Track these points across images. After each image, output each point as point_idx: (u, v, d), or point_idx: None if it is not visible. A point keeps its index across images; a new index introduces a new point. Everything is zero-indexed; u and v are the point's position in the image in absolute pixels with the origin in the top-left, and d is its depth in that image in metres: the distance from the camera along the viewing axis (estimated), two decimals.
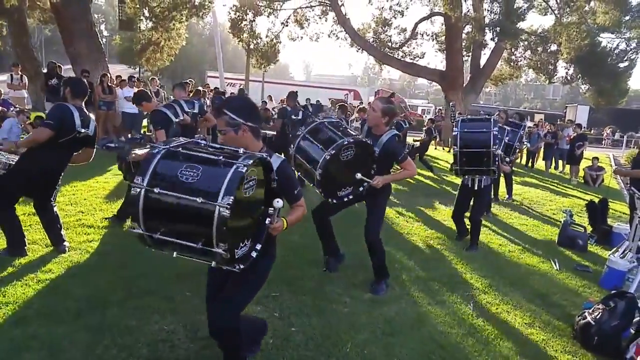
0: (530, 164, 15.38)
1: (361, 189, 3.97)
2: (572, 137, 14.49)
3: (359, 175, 3.84)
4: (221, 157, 2.10)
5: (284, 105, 8.16)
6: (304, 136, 3.83)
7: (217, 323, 2.49)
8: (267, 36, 20.43)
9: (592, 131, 34.91)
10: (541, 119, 19.85)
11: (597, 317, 3.65)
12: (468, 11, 17.14)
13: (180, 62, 41.91)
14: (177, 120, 5.52)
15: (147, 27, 15.75)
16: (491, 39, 16.83)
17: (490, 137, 5.27)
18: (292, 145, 3.86)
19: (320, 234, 4.53)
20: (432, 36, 19.75)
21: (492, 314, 4.05)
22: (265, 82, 27.16)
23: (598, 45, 17.25)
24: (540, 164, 15.74)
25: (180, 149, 2.14)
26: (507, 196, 9.53)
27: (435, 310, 3.97)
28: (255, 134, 2.48)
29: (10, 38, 16.99)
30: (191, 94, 10.50)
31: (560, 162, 15.34)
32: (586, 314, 3.77)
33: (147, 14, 15.05)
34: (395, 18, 19.82)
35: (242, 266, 2.22)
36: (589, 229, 7.22)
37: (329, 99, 25.21)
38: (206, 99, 13.08)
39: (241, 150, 2.20)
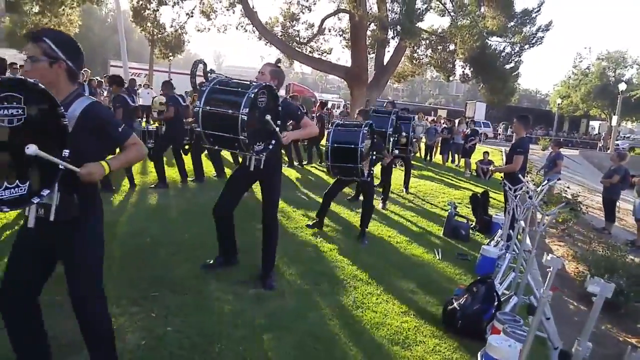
0: (428, 158, 16.26)
1: (270, 146, 3.95)
2: (466, 132, 15.56)
3: (268, 117, 3.80)
4: None
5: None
6: (211, 89, 3.77)
7: (89, 323, 2.38)
8: (171, 26, 19.71)
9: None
10: (440, 115, 21.04)
11: (462, 302, 3.96)
12: (371, 9, 17.74)
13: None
14: None
15: (31, 11, 14.47)
16: (392, 38, 17.54)
17: (359, 136, 5.52)
18: (198, 103, 3.76)
19: (220, 232, 4.43)
20: (339, 32, 20.18)
21: (372, 304, 4.23)
22: (172, 72, 26.17)
23: (488, 47, 18.68)
24: (437, 158, 16.70)
25: None
26: (403, 189, 10.02)
27: (317, 303, 4.08)
28: (72, 77, 2.25)
29: None
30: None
31: (456, 155, 16.39)
32: (453, 300, 4.06)
33: None
34: (303, 13, 20.00)
35: (8, 209, 1.95)
36: (472, 218, 7.80)
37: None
38: (102, 90, 12.40)
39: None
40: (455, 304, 3.98)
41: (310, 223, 6.33)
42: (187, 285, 4.10)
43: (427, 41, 20.13)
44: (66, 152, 2.07)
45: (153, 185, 7.80)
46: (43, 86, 1.95)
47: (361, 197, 6.76)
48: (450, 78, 21.49)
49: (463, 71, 20.43)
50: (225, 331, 3.40)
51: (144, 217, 6.17)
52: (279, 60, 4.31)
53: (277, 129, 3.88)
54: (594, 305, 2.05)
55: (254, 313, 3.75)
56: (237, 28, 19.69)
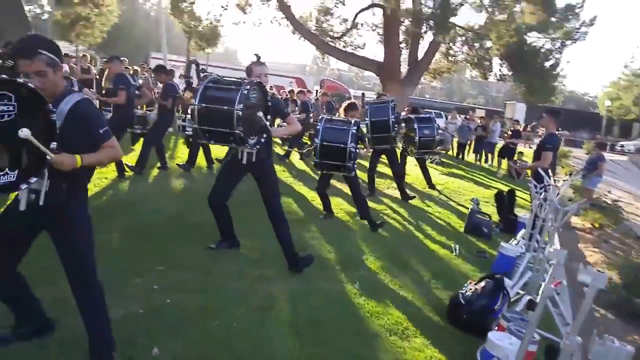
0: (460, 156, 15.90)
1: (262, 140, 4.05)
2: (509, 133, 15.00)
3: (260, 113, 3.96)
4: None
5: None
6: (205, 87, 3.95)
7: (81, 292, 2.49)
8: (206, 19, 20.03)
9: (528, 127, 36.43)
10: (472, 113, 20.39)
11: (468, 296, 3.83)
12: (403, 2, 17.40)
13: (124, 42, 40.74)
14: None
15: (72, 1, 15.03)
16: (424, 32, 17.21)
17: (349, 135, 5.54)
18: (193, 99, 3.96)
19: (217, 218, 4.52)
20: (372, 27, 19.95)
21: (376, 293, 4.15)
22: (210, 65, 26.50)
23: (526, 44, 18.04)
24: (471, 157, 16.29)
25: None
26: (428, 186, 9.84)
27: (320, 288, 4.04)
28: (63, 75, 2.47)
29: None
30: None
31: (489, 155, 15.93)
32: (459, 294, 3.93)
33: None
34: (337, 7, 19.92)
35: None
36: (497, 218, 7.57)
37: (271, 87, 25.00)
38: (138, 78, 12.70)
39: None
40: (460, 298, 3.85)
41: (322, 215, 6.32)
42: (194, 262, 4.18)
43: (464, 37, 19.64)
44: (54, 145, 2.18)
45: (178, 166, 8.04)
46: (32, 85, 2.10)
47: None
48: (487, 76, 20.90)
49: (500, 69, 19.85)
50: (224, 308, 3.43)
51: (166, 198, 6.33)
52: (258, 57, 4.39)
53: (267, 123, 4.01)
54: (586, 296, 1.92)
55: (255, 293, 3.77)
56: (271, 22, 19.79)
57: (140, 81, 9.42)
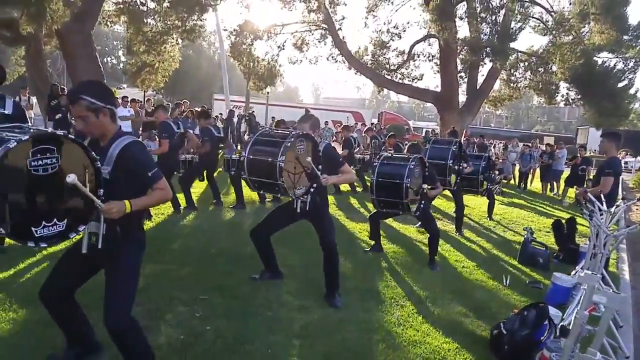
0: (523, 186, 15.30)
1: (312, 189, 4.14)
2: (578, 160, 14.22)
3: (308, 159, 4.02)
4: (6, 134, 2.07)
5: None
6: (255, 140, 4.16)
7: (111, 326, 2.56)
8: (263, 59, 20.95)
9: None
10: (534, 141, 19.31)
11: (509, 326, 3.70)
12: (458, 32, 17.31)
13: (189, 85, 43.41)
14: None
15: (139, 51, 16.26)
16: (481, 60, 16.96)
17: (405, 170, 5.32)
18: (244, 151, 4.17)
19: (258, 251, 4.65)
20: (428, 57, 19.98)
21: (416, 323, 4.11)
22: (270, 104, 27.68)
23: (596, 64, 17.18)
24: (535, 186, 15.60)
25: None
26: (487, 217, 9.56)
27: (359, 318, 4.07)
28: (113, 118, 2.54)
29: (28, 64, 17.54)
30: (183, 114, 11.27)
31: (554, 183, 15.18)
32: (501, 324, 3.81)
33: (140, 38, 15.78)
34: (392, 40, 20.17)
35: (45, 245, 2.20)
36: (556, 247, 7.22)
37: (331, 121, 25.71)
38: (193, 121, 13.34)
39: (30, 127, 2.20)
40: (502, 328, 3.73)
41: (368, 248, 6.29)
42: (237, 292, 4.34)
43: (526, 63, 19.15)
44: (100, 192, 2.33)
45: (232, 206, 8.33)
46: (72, 136, 2.21)
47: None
48: (553, 102, 20.10)
49: (567, 93, 18.99)
50: (261, 335, 3.55)
51: (217, 231, 6.60)
52: (307, 110, 4.52)
53: (319, 172, 4.05)
54: (602, 319, 1.86)
55: (293, 321, 3.86)
56: (327, 59, 20.42)
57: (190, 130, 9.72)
